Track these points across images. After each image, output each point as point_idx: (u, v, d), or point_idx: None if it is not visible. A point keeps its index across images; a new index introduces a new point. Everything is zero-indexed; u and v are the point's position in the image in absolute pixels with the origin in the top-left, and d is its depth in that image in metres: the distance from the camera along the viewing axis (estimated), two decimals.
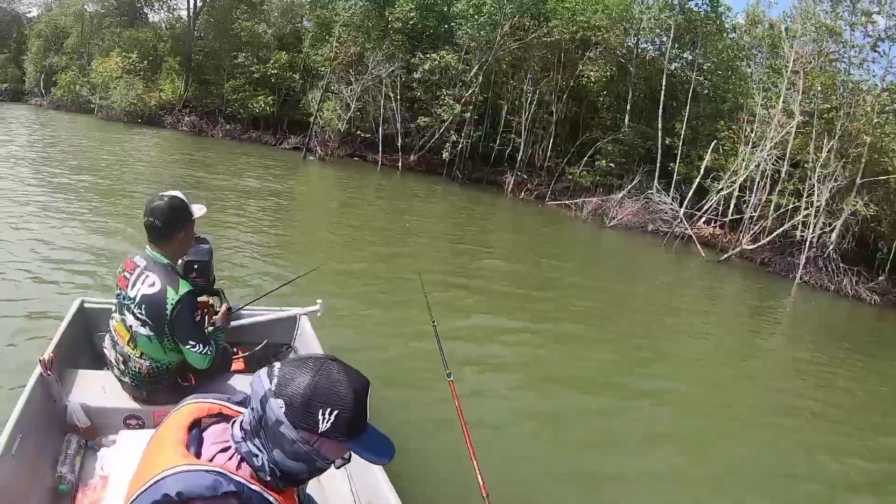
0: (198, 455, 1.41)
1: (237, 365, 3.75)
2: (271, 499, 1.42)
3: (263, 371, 1.44)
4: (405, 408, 4.89)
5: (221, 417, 1.56)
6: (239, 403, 1.60)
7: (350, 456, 1.49)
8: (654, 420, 6.02)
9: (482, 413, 5.05)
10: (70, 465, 2.77)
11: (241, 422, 1.48)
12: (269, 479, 1.43)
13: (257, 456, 1.43)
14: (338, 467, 1.51)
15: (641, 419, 5.96)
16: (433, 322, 3.54)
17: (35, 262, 6.83)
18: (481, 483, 2.30)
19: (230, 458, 1.43)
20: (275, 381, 1.40)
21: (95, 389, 3.12)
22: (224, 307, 3.34)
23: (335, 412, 1.38)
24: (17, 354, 4.54)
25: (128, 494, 1.40)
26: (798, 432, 6.58)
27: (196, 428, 1.50)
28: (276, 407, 1.38)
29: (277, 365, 1.44)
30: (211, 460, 1.41)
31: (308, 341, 4.15)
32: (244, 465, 1.43)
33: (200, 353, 2.90)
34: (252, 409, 1.43)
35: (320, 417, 1.37)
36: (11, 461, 2.41)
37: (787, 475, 5.43)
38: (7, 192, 10.29)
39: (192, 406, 1.56)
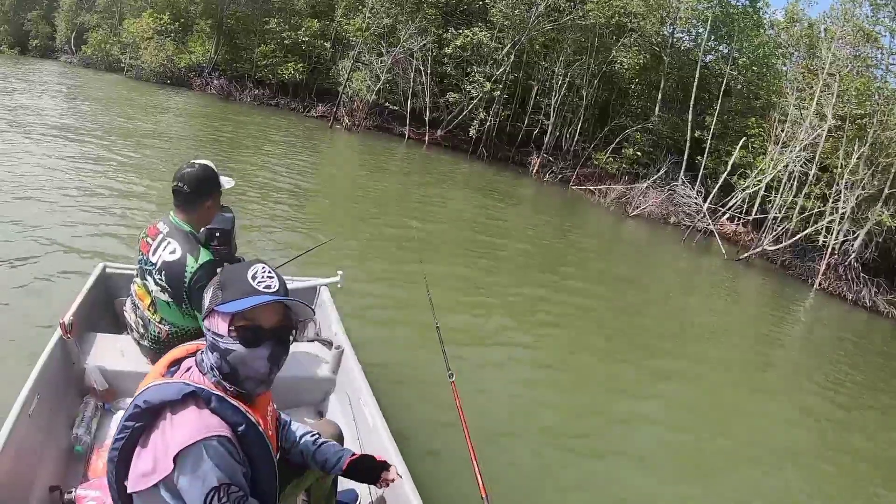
0: None
1: None
2: (231, 401, 1.63)
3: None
4: (403, 397, 4.70)
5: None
6: None
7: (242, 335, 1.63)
8: (660, 425, 5.91)
9: (484, 412, 4.96)
10: (86, 427, 2.81)
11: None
12: (220, 382, 1.66)
13: (204, 361, 1.68)
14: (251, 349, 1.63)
15: (648, 424, 5.87)
16: (436, 323, 3.47)
17: (59, 225, 6.82)
18: (481, 484, 2.30)
19: (193, 373, 1.68)
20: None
21: (114, 353, 3.15)
22: None
23: (210, 288, 1.69)
24: (38, 316, 4.51)
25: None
26: (808, 437, 6.72)
27: (176, 366, 1.75)
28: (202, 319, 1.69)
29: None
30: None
31: (327, 312, 4.14)
32: (205, 379, 1.65)
33: None
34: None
35: (206, 300, 1.68)
36: (28, 422, 2.44)
37: (796, 481, 5.55)
38: (35, 152, 10.27)
39: (174, 349, 1.83)
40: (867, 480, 6.19)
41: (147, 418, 1.57)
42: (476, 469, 2.37)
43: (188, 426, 1.53)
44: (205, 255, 2.85)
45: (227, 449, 1.55)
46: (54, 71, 30.83)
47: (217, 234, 3.65)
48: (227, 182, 3.07)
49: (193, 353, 1.77)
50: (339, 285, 4.32)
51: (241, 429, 1.60)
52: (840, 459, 6.44)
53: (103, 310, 3.69)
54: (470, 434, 2.54)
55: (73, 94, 21.65)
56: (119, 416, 2.85)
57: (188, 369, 1.70)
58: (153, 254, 2.90)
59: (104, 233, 6.95)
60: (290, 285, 4.19)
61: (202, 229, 3.45)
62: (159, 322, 2.97)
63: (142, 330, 3.02)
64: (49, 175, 8.91)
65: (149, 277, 2.93)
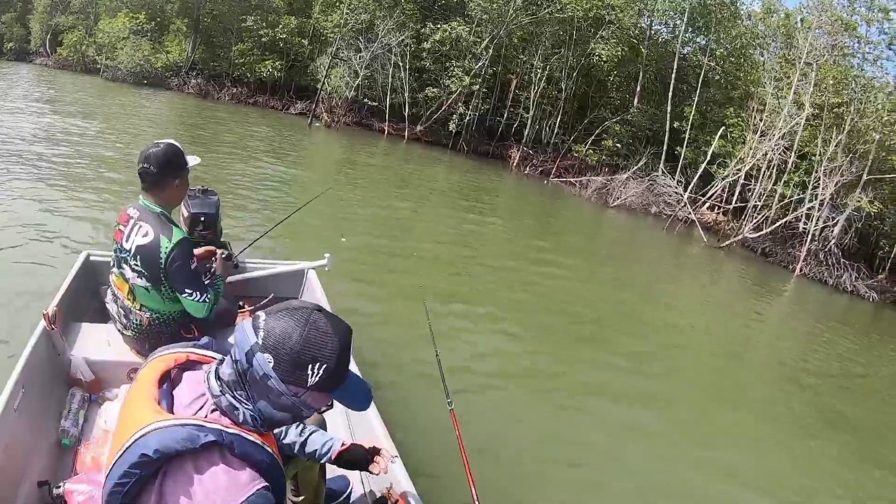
0: (171, 409, 1.39)
1: (243, 318, 3.69)
2: (252, 438, 1.39)
3: (248, 323, 1.39)
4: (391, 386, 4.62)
5: (190, 364, 1.54)
6: (203, 347, 1.58)
7: (333, 403, 1.50)
8: (650, 431, 5.54)
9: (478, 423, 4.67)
10: (73, 420, 2.75)
11: (217, 372, 1.43)
12: (249, 426, 1.42)
13: (237, 409, 1.39)
14: (321, 413, 1.53)
15: (640, 436, 5.41)
16: (436, 353, 3.22)
17: (42, 214, 6.84)
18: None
19: (208, 411, 1.40)
20: (261, 333, 1.36)
21: (100, 343, 3.10)
22: (220, 254, 3.25)
23: (324, 366, 1.37)
24: (21, 307, 4.46)
25: (108, 459, 1.38)
26: (786, 423, 6.64)
27: (167, 382, 1.47)
28: (265, 362, 1.35)
29: (262, 316, 1.39)
30: (187, 414, 1.39)
31: (315, 295, 4.12)
32: (222, 417, 1.40)
33: (198, 300, 2.83)
34: (236, 361, 1.39)
35: (310, 372, 1.36)
36: (14, 417, 2.37)
37: (775, 470, 5.45)
38: (14, 147, 10.30)
39: (160, 359, 1.52)
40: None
41: (155, 467, 1.32)
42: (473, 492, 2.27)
43: (221, 489, 1.32)
44: (178, 234, 2.79)
45: (266, 499, 1.36)
46: (30, 74, 30.34)
47: (202, 219, 3.64)
48: (192, 160, 3.03)
49: (184, 365, 1.53)
50: (326, 268, 4.21)
51: (265, 466, 1.42)
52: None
53: (89, 299, 3.63)
54: (468, 459, 2.46)
55: (51, 96, 21.35)
56: (106, 406, 2.86)
57: (199, 401, 1.43)
58: (126, 240, 2.83)
59: (87, 221, 6.95)
60: (276, 269, 4.01)
61: (186, 212, 3.37)
62: (139, 310, 2.92)
63: (124, 320, 2.98)
64: (30, 166, 8.96)
65: (125, 265, 2.87)
